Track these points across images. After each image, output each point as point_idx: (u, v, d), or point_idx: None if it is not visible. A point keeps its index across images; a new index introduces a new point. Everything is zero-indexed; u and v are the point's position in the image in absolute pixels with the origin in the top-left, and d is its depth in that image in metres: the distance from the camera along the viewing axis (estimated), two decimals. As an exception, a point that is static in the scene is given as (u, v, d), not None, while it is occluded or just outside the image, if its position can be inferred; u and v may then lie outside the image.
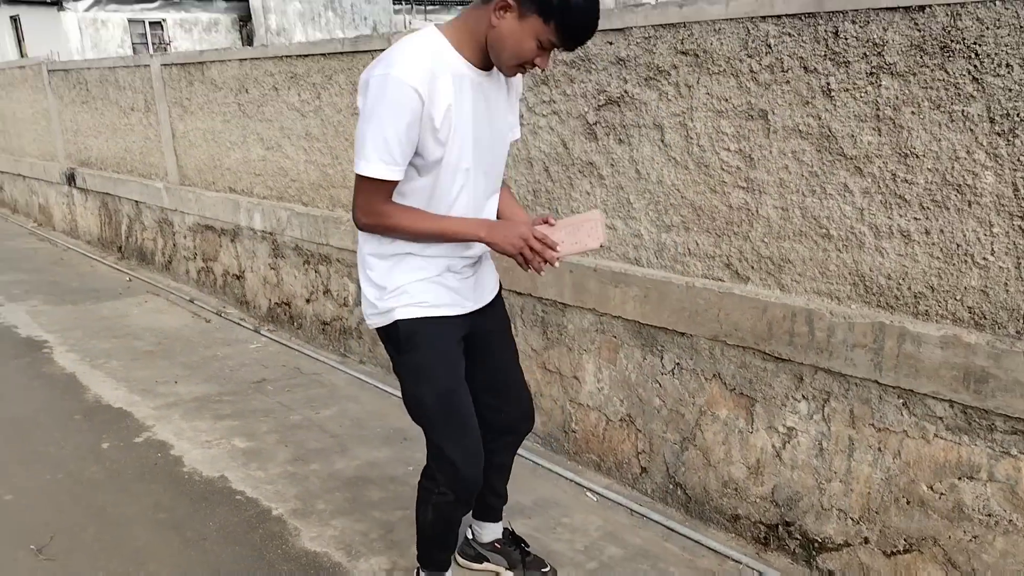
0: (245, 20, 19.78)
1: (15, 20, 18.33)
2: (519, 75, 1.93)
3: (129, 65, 6.42)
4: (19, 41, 18.48)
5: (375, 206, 1.85)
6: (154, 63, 5.96)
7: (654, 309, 2.87)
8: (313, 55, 4.32)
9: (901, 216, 2.20)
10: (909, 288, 2.23)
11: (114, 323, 5.23)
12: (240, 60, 4.98)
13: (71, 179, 7.98)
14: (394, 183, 1.83)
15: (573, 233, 1.90)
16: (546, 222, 1.95)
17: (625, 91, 2.85)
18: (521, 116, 3.24)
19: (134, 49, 18.32)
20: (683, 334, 2.82)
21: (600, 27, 2.87)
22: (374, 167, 1.76)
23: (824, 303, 2.42)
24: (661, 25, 2.69)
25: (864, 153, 2.24)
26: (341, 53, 4.11)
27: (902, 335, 2.20)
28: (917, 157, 2.13)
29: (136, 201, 6.82)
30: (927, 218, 2.15)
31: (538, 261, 1.86)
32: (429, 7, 22.65)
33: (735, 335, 2.63)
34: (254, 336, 5.02)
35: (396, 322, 1.96)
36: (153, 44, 18.78)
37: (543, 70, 1.84)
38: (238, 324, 5.26)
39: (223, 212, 5.51)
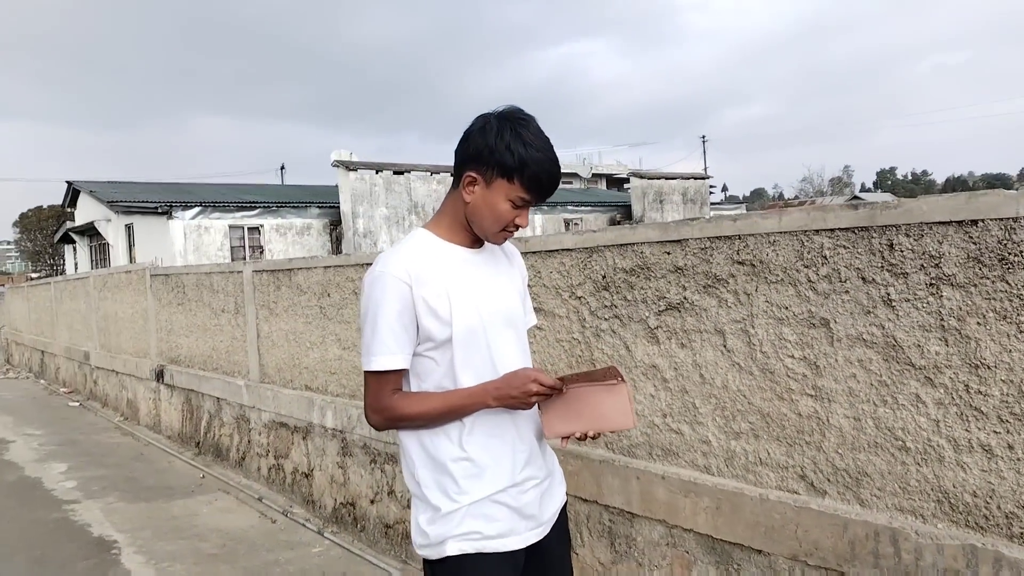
0: (335, 224, 21.31)
1: (129, 228, 20.23)
2: (517, 254, 2.07)
3: (224, 271, 6.92)
4: (130, 246, 20.28)
5: (382, 400, 1.82)
6: (247, 269, 6.41)
7: (727, 522, 2.73)
8: (389, 263, 4.58)
9: (980, 429, 2.09)
10: (999, 507, 2.07)
11: (183, 523, 5.26)
12: (324, 267, 5.31)
13: (160, 375, 8.39)
14: (397, 374, 1.81)
15: (593, 400, 1.75)
16: (560, 380, 1.81)
17: (685, 297, 2.90)
18: (583, 319, 3.32)
19: (232, 252, 19.82)
20: (760, 552, 2.65)
21: (657, 239, 3.01)
22: (373, 360, 1.78)
23: (908, 521, 2.26)
24: (717, 237, 2.78)
25: (933, 363, 2.18)
26: (415, 262, 4.34)
27: (997, 560, 2.02)
28: (989, 368, 2.06)
29: (218, 398, 7.08)
30: (1008, 432, 2.04)
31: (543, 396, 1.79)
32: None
33: (816, 555, 2.46)
34: (317, 539, 4.95)
35: (446, 558, 1.79)
36: (250, 247, 20.30)
37: (524, 227, 1.87)
38: (303, 525, 5.21)
39: (297, 409, 5.65)
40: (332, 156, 20.35)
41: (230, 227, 19.88)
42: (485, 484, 1.81)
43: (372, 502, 4.85)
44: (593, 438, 1.81)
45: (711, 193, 30.13)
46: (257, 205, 20.43)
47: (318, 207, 21.29)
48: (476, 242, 1.90)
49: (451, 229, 1.88)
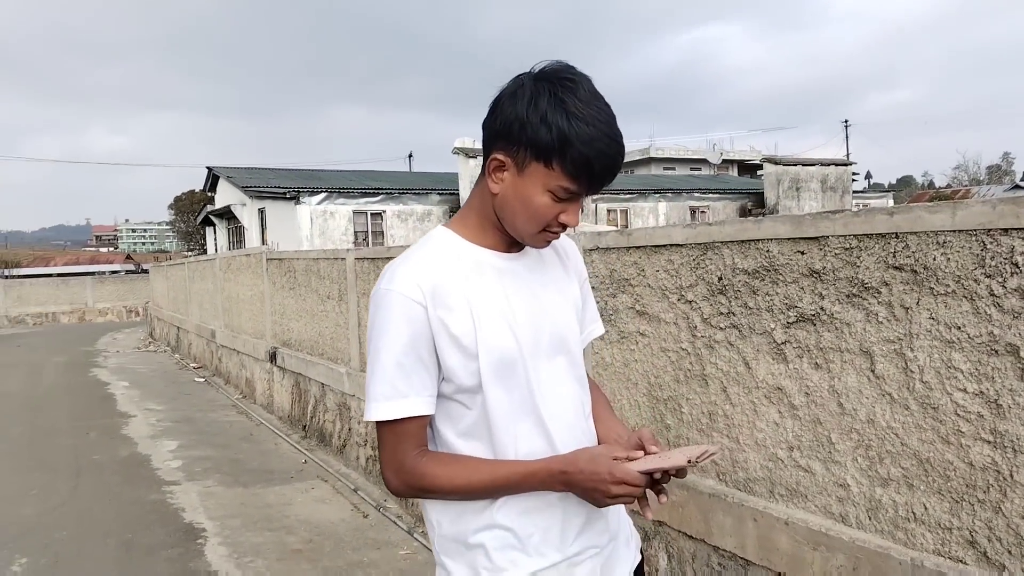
0: (455, 211, 21.36)
1: (262, 212, 21.04)
2: (573, 248, 1.58)
3: (329, 257, 6.82)
4: (263, 229, 21.10)
5: (402, 460, 1.35)
6: (349, 256, 6.26)
7: (865, 589, 2.20)
8: (485, 254, 4.23)
9: None
10: None
11: (275, 512, 5.14)
12: (420, 256, 5.03)
13: (273, 357, 8.46)
14: (416, 423, 1.35)
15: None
16: (643, 448, 1.34)
17: (821, 308, 2.37)
18: (694, 327, 2.83)
19: (355, 237, 20.23)
20: (908, 631, 2.11)
21: (788, 235, 2.48)
22: (378, 409, 1.32)
23: None
24: (866, 235, 2.23)
25: None
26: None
27: None
28: None
29: (322, 383, 7.01)
30: None
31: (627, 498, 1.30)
32: (624, 196, 23.34)
33: (987, 649, 1.90)
34: (406, 540, 4.70)
35: None
36: (372, 232, 20.66)
37: (572, 225, 1.38)
38: (394, 523, 4.98)
39: (393, 403, 5.42)
40: (455, 143, 20.37)
41: (354, 212, 20.29)
42: (527, 559, 1.36)
43: (463, 508, 4.54)
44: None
45: (854, 181, 28.11)
46: (380, 191, 20.75)
47: (439, 194, 21.39)
48: (514, 244, 1.43)
49: (480, 228, 1.42)
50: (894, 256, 2.17)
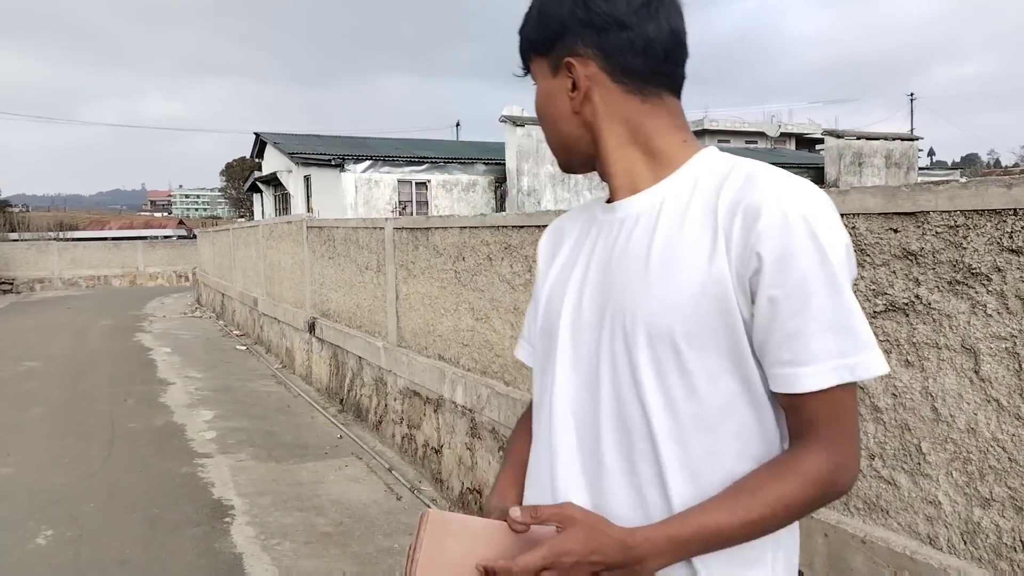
0: (500, 181, 21.02)
1: (307, 179, 21.00)
2: (749, 211, 0.94)
3: (368, 227, 6.60)
4: (308, 197, 21.07)
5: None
6: (388, 226, 6.02)
7: (960, 628, 1.88)
8: (528, 227, 3.94)
9: None
10: None
11: (307, 490, 4.98)
12: (460, 228, 4.77)
13: (312, 328, 8.33)
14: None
15: None
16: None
17: (916, 296, 2.03)
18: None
19: (400, 205, 20.07)
20: None
21: (879, 210, 2.13)
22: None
23: None
24: (976, 211, 1.87)
25: None
26: (555, 226, 3.67)
27: None
28: None
29: (359, 357, 6.83)
30: None
31: None
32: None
33: None
34: (440, 525, 4.48)
35: None
36: (417, 202, 20.47)
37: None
38: (428, 506, 4.76)
39: (430, 380, 5.20)
40: (503, 111, 19.97)
41: (399, 181, 20.09)
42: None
43: (499, 494, 4.30)
44: None
45: (918, 157, 26.95)
46: (425, 160, 20.50)
47: (484, 163, 21.06)
48: (617, 193, 1.10)
49: None
50: (1010, 237, 1.81)
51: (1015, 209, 1.80)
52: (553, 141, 1.14)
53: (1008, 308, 1.83)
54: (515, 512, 0.92)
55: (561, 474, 1.06)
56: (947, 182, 1.96)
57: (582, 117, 1.08)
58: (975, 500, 1.93)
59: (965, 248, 1.91)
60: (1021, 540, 1.83)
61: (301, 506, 4.68)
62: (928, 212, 1.98)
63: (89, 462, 5.59)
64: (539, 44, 1.10)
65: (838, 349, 0.91)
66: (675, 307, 0.96)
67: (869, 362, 0.92)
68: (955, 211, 1.92)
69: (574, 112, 1.08)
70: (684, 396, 0.97)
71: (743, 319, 0.94)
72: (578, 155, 1.13)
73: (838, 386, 0.92)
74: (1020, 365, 1.82)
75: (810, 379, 0.91)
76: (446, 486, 4.98)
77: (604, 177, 1.11)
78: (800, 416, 0.95)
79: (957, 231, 1.93)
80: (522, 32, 1.11)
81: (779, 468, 0.95)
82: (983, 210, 1.87)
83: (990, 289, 1.87)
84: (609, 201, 1.11)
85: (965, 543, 1.96)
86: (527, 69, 1.14)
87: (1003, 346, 1.85)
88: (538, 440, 1.13)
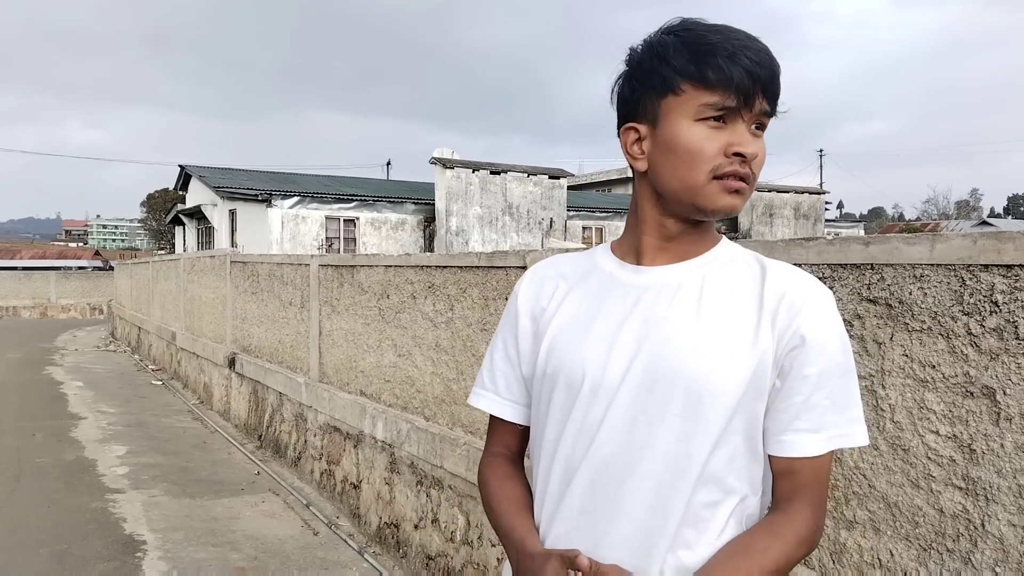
0: (429, 221, 21.18)
1: (232, 213, 20.71)
2: (796, 299, 1.08)
3: (293, 263, 6.64)
4: (232, 231, 20.76)
5: (483, 456, 1.33)
6: (313, 263, 6.09)
7: (826, 638, 2.08)
8: (451, 267, 4.10)
9: None
10: None
11: (221, 526, 4.93)
12: (386, 267, 4.89)
13: (232, 363, 8.23)
14: (499, 424, 1.29)
15: None
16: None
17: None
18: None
19: (327, 242, 19.97)
20: None
21: (762, 260, 2.38)
22: (473, 392, 1.32)
23: None
24: (840, 264, 2.13)
25: None
26: (477, 267, 3.84)
27: None
28: None
29: (280, 392, 6.80)
30: None
31: None
32: (600, 214, 23.36)
33: None
34: (356, 560, 4.52)
35: None
36: (345, 239, 20.41)
37: (750, 155, 1.08)
38: (345, 541, 4.79)
39: (351, 415, 5.25)
40: (433, 153, 20.22)
41: (327, 218, 20.03)
42: None
43: (416, 527, 4.37)
44: None
45: (826, 210, 28.43)
46: (354, 198, 20.51)
47: (414, 203, 21.21)
48: (657, 253, 1.16)
49: (624, 237, 1.23)
50: (869, 288, 2.07)
51: (872, 264, 2.06)
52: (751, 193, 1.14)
53: (867, 351, 2.08)
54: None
55: (564, 517, 1.14)
56: (816, 239, 2.22)
57: None
58: (842, 523, 2.14)
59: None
60: (879, 558, 2.05)
61: (215, 541, 4.64)
62: (801, 265, 2.23)
63: (-8, 498, 5.40)
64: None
65: (836, 422, 1.06)
66: (725, 374, 1.05)
67: (855, 434, 1.08)
68: (823, 264, 2.17)
69: None
70: (707, 452, 1.06)
71: (767, 388, 1.07)
72: None
73: (828, 453, 1.08)
74: (877, 402, 2.05)
75: (815, 445, 1.06)
76: (364, 521, 5.01)
77: (656, 238, 1.16)
78: (794, 479, 1.08)
79: (825, 282, 2.17)
80: (773, 85, 1.09)
81: (779, 528, 1.06)
82: (846, 264, 2.13)
83: (852, 334, 2.11)
84: (633, 262, 1.17)
85: (834, 563, 2.17)
86: (777, 105, 1.11)
87: (863, 384, 2.08)
88: (551, 483, 1.17)
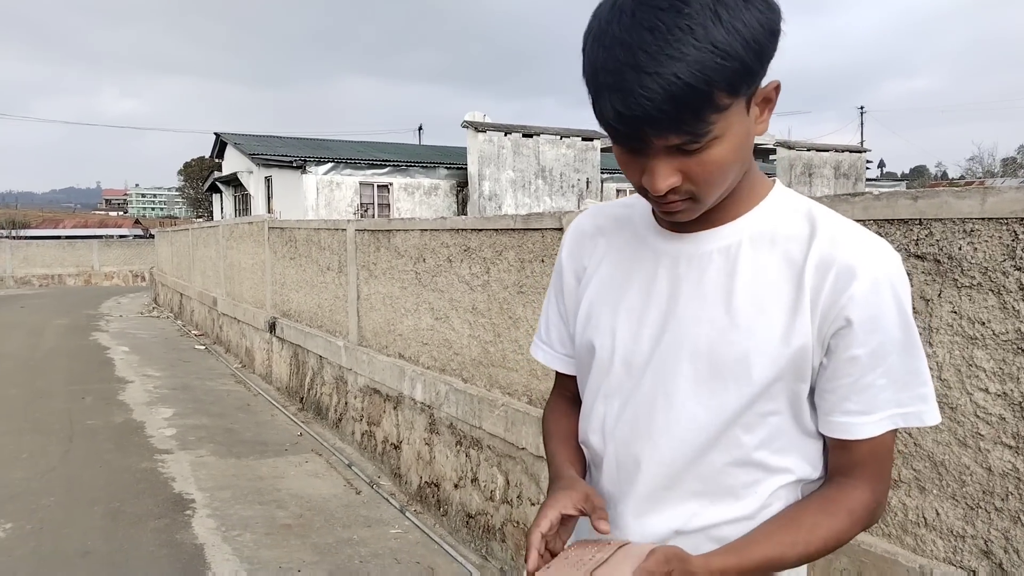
0: (462, 185, 21.15)
1: (268, 180, 20.88)
2: (842, 269, 0.96)
3: (330, 228, 6.69)
4: (268, 198, 20.96)
5: (549, 395, 1.33)
6: (350, 228, 6.13)
7: (869, 595, 2.08)
8: (486, 230, 4.10)
9: None
10: None
11: (266, 485, 5.07)
12: (421, 231, 4.91)
13: (272, 327, 8.37)
14: (559, 373, 1.28)
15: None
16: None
17: (836, 297, 2.23)
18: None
19: (361, 208, 20.07)
20: (912, 641, 1.99)
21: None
22: (533, 341, 1.31)
23: None
24: (887, 220, 2.09)
25: None
26: (512, 230, 3.84)
27: None
28: None
29: (320, 356, 6.91)
30: None
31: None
32: (636, 178, 23.05)
33: (997, 665, 1.79)
34: (398, 518, 4.61)
35: None
36: (379, 205, 20.50)
37: (655, 191, 0.95)
38: (387, 500, 4.89)
39: (390, 378, 5.32)
40: (465, 117, 20.11)
41: (360, 184, 20.11)
42: None
43: (456, 486, 4.45)
44: None
45: (867, 169, 27.76)
46: (387, 163, 20.55)
47: (446, 168, 21.18)
48: (701, 222, 1.04)
49: None
50: (916, 244, 2.03)
51: (920, 219, 2.02)
52: (730, 185, 0.99)
53: (914, 308, 2.04)
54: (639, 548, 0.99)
55: (623, 491, 1.10)
56: (862, 194, 2.17)
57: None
58: (885, 481, 2.14)
59: (877, 253, 2.12)
60: (924, 516, 2.04)
61: (261, 500, 4.78)
62: (846, 221, 2.19)
63: (48, 458, 5.60)
64: (747, 82, 0.89)
65: (897, 400, 0.98)
66: (757, 356, 0.99)
67: (922, 413, 0.99)
68: (869, 220, 2.13)
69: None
70: (744, 432, 1.02)
71: (812, 368, 0.99)
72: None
73: (887, 432, 1.00)
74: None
75: (868, 427, 0.98)
76: (404, 480, 5.10)
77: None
78: (850, 456, 1.02)
79: (870, 238, 2.14)
80: (712, 80, 0.86)
81: (830, 504, 1.01)
82: (893, 219, 2.08)
83: (898, 291, 2.08)
84: (672, 228, 1.08)
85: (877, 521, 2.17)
86: (702, 126, 0.89)
87: (909, 342, 2.06)
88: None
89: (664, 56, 0.84)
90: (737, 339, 1.00)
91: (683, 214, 0.99)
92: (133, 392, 8.00)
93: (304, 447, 6.04)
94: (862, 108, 43.95)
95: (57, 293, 24.53)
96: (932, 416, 1.00)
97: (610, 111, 0.89)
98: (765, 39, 0.89)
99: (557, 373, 1.29)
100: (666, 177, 0.93)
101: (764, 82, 0.94)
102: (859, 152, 26.64)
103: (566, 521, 1.05)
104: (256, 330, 9.20)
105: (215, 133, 24.17)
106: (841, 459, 1.03)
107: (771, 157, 26.39)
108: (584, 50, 0.93)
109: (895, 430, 1.01)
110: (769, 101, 0.97)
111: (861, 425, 0.99)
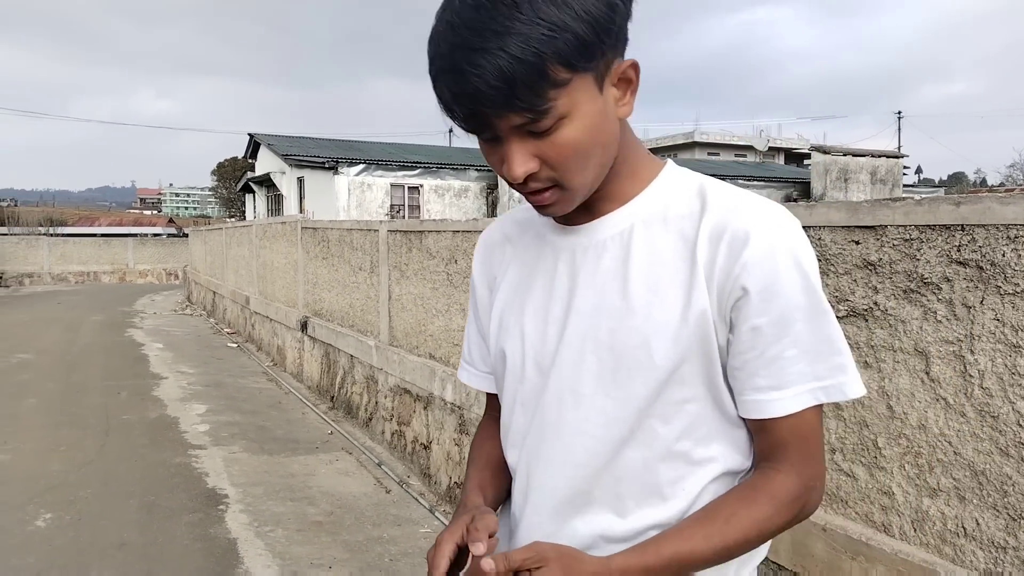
0: (492, 188, 21.23)
1: (300, 181, 21.13)
2: (735, 239, 0.93)
3: (362, 228, 6.76)
4: (300, 198, 21.19)
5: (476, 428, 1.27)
6: (383, 228, 6.18)
7: (906, 605, 2.06)
8: (519, 231, 4.11)
9: None
10: None
11: (298, 482, 5.12)
12: (453, 232, 4.94)
13: (304, 326, 8.46)
14: (489, 396, 1.22)
15: None
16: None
17: (875, 302, 2.21)
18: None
19: (392, 210, 20.22)
20: (951, 653, 1.97)
21: (843, 223, 2.32)
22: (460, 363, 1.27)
23: None
24: (929, 226, 2.06)
25: None
26: (546, 231, 3.85)
27: None
28: None
29: (351, 355, 6.98)
30: None
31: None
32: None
33: None
34: (428, 518, 4.64)
35: None
36: (409, 206, 20.63)
37: (511, 177, 0.92)
38: (416, 500, 4.92)
39: (420, 378, 5.36)
40: (495, 118, 20.16)
41: (391, 185, 20.26)
42: None
43: (485, 489, 4.46)
44: None
45: (904, 174, 27.35)
46: (418, 165, 20.69)
47: (476, 170, 21.25)
48: (582, 212, 1.02)
49: None
50: (958, 250, 2.00)
51: (962, 225, 1.99)
52: (597, 170, 0.95)
53: (956, 315, 2.02)
54: (488, 564, 0.87)
55: (532, 500, 1.05)
56: (903, 199, 2.15)
57: (620, 129, 0.97)
58: (924, 491, 2.11)
59: (919, 259, 2.10)
60: (963, 526, 2.01)
61: (293, 496, 4.83)
62: (886, 226, 2.17)
63: (85, 451, 5.71)
64: (584, 55, 0.86)
65: (813, 373, 0.92)
66: (657, 339, 0.94)
67: (843, 385, 0.93)
68: (910, 226, 2.11)
69: (619, 125, 0.96)
70: (660, 424, 0.97)
71: (719, 346, 0.95)
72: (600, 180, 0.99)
73: (808, 408, 0.93)
74: (965, 367, 2.00)
75: (783, 403, 0.92)
76: (434, 480, 5.13)
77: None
78: (770, 438, 0.96)
79: (911, 244, 2.11)
80: (542, 53, 0.83)
81: (751, 492, 0.95)
82: (935, 225, 2.06)
83: (940, 297, 2.05)
84: (565, 222, 1.05)
85: (915, 530, 2.14)
86: (540, 102, 0.86)
87: (951, 349, 2.03)
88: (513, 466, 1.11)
89: (490, 32, 0.83)
90: (635, 324, 0.96)
91: (556, 207, 0.96)
92: (167, 388, 8.14)
93: (334, 445, 6.09)
94: (899, 113, 43.33)
95: (93, 290, 25.02)
96: (854, 388, 0.94)
97: (446, 94, 0.88)
98: (600, 11, 0.86)
99: (487, 396, 1.24)
100: (523, 163, 0.90)
101: (619, 62, 0.92)
102: (896, 157, 26.26)
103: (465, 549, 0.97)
104: (288, 329, 9.30)
105: (249, 134, 24.52)
106: (762, 443, 0.97)
107: (805, 162, 26.14)
108: (427, 46, 0.92)
109: (819, 407, 0.94)
110: (629, 81, 0.93)
111: (774, 402, 0.93)
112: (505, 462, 1.13)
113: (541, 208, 0.97)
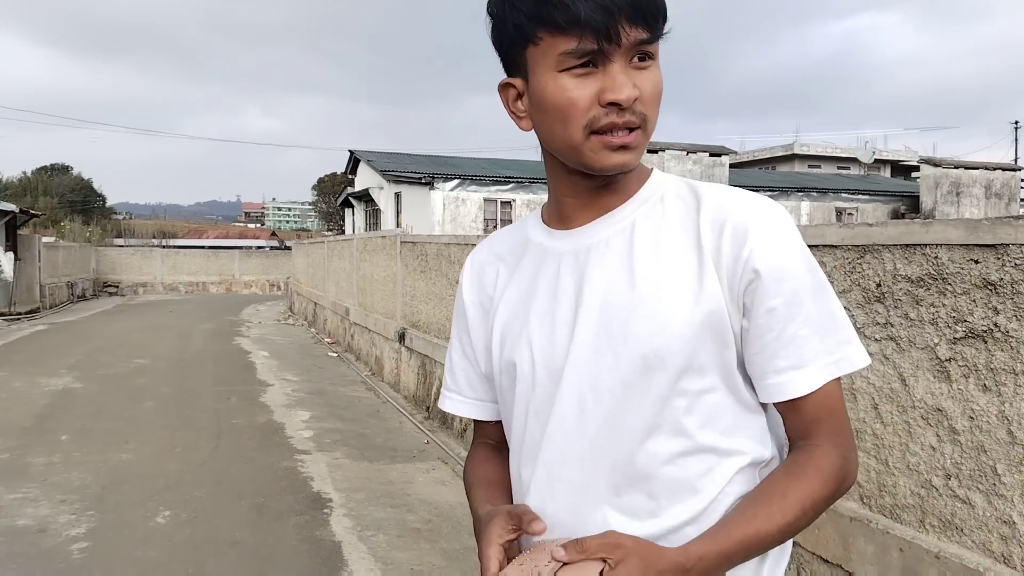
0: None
1: (398, 196, 21.72)
2: (735, 222, 0.97)
3: (460, 243, 6.91)
4: (397, 213, 21.77)
5: (466, 457, 1.26)
6: (479, 243, 6.31)
7: (1031, 641, 1.97)
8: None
9: None
10: None
11: (396, 489, 5.27)
12: (551, 246, 5.00)
13: (402, 337, 8.70)
14: (477, 424, 1.23)
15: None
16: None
17: (995, 324, 2.14)
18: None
19: (485, 224, 20.53)
20: None
21: (961, 241, 2.25)
22: (441, 393, 1.26)
23: None
24: (1057, 244, 1.98)
25: None
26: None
27: None
28: None
29: (446, 367, 7.12)
30: None
31: None
32: (765, 193, 22.43)
33: None
34: (522, 530, 4.69)
35: None
36: (501, 220, 20.89)
37: (623, 100, 0.93)
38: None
39: (516, 391, 5.43)
40: (588, 133, 20.20)
41: (484, 200, 20.57)
42: None
43: (580, 503, 4.48)
44: None
45: (1022, 188, 25.80)
46: (511, 180, 20.93)
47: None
48: (573, 215, 1.06)
49: (548, 204, 1.14)
50: (1090, 271, 1.91)
51: (1094, 244, 1.91)
52: (654, 123, 1.00)
53: (1086, 338, 1.93)
54: (559, 552, 0.88)
55: (559, 499, 1.02)
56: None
57: None
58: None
59: (1044, 280, 2.01)
60: (1094, 561, 1.91)
61: (393, 503, 4.98)
62: (1008, 245, 2.09)
63: (199, 452, 6.05)
64: (664, 21, 0.97)
65: (824, 348, 0.96)
66: (672, 331, 0.96)
67: (852, 357, 0.97)
68: (1035, 244, 2.03)
69: None
70: (683, 415, 0.97)
71: (734, 333, 0.97)
72: None
73: (829, 382, 0.96)
74: (1097, 393, 1.91)
75: (807, 381, 0.95)
76: (528, 494, 5.18)
77: (573, 196, 1.06)
78: (801, 416, 0.98)
79: (1037, 263, 2.03)
80: (638, 8, 0.92)
81: (798, 468, 0.96)
82: (1063, 244, 1.98)
83: (1068, 319, 1.96)
84: (559, 227, 1.08)
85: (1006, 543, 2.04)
86: (661, 28, 0.96)
87: (1080, 374, 1.94)
88: (524, 477, 1.07)
89: None
90: (647, 313, 0.97)
91: (632, 153, 0.97)
92: (273, 395, 8.52)
93: (431, 455, 6.23)
94: (1016, 123, 40.89)
95: (201, 299, 26.39)
96: (861, 358, 0.98)
97: (591, 0, 0.90)
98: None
99: (475, 425, 1.24)
100: (630, 84, 0.94)
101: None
102: (1013, 170, 24.79)
103: (510, 549, 0.97)
104: (386, 340, 9.58)
105: (349, 151, 25.39)
106: (794, 423, 0.99)
107: (914, 175, 25.03)
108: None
109: (838, 380, 0.97)
110: None
111: (798, 381, 0.95)
112: (503, 480, 1.13)
113: (622, 150, 0.96)
